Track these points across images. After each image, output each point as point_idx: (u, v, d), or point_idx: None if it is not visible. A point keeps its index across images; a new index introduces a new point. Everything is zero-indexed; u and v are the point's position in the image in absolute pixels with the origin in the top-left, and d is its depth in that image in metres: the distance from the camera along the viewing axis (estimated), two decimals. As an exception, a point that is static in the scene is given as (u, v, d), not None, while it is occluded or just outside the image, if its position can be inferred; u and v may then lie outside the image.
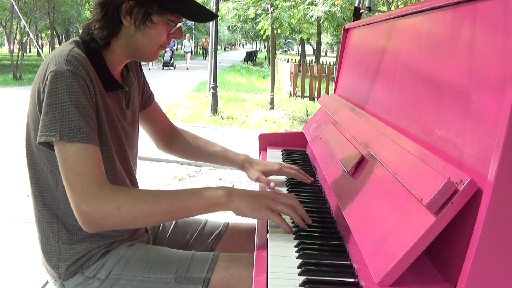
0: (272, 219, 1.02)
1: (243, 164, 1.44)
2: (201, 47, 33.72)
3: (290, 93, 10.93)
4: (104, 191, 0.97)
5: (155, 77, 13.89)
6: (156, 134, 1.48)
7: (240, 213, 1.02)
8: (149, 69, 17.75)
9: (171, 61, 18.71)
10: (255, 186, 1.54)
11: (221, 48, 56.59)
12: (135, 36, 1.10)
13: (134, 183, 1.28)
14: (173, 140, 1.51)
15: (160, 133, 1.48)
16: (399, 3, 7.97)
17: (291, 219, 1.06)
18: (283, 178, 1.43)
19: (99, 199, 0.96)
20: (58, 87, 0.98)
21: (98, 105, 1.07)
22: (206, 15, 1.17)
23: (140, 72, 1.35)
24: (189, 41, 21.48)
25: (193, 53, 21.64)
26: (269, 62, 10.51)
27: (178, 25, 1.13)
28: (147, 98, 1.39)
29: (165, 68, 18.48)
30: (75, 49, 1.05)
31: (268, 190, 1.33)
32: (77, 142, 0.98)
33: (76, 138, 0.98)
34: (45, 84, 1.00)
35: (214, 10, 7.77)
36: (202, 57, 30.56)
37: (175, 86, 11.80)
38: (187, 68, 19.43)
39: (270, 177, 1.39)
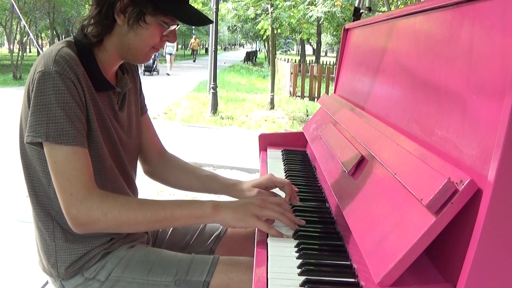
0: (258, 226, 1.03)
1: (233, 186, 1.33)
2: (190, 48, 30.44)
3: (290, 93, 10.93)
4: (93, 196, 1.01)
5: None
6: (142, 152, 1.37)
7: (227, 225, 1.06)
8: None
9: (154, 65, 15.47)
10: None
11: (221, 48, 56.41)
12: (127, 36, 1.10)
13: (132, 185, 1.28)
14: (162, 164, 1.39)
15: (146, 151, 1.37)
16: (399, 3, 7.97)
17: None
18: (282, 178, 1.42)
19: (87, 204, 1.00)
20: (45, 88, 0.99)
21: (87, 105, 1.07)
22: (200, 20, 1.16)
23: (137, 77, 1.34)
24: None
25: (173, 53, 17.44)
26: (269, 62, 10.51)
27: (172, 27, 1.12)
28: (141, 107, 1.36)
29: (146, 73, 15.19)
30: (65, 49, 1.04)
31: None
32: (63, 144, 0.99)
33: (62, 140, 0.99)
34: (33, 85, 1.01)
35: (214, 10, 7.77)
36: (192, 59, 28.40)
37: (156, 97, 9.40)
38: (168, 74, 16.19)
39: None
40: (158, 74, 15.78)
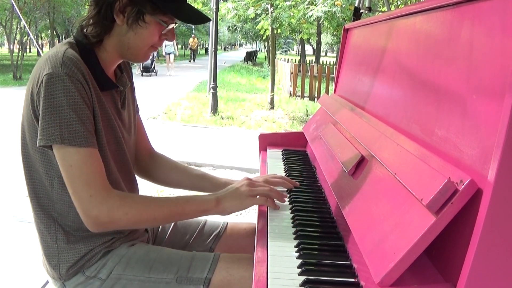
0: (256, 203, 1.14)
1: (226, 186, 1.32)
2: (189, 48, 29.05)
3: (290, 93, 10.93)
4: (112, 197, 1.03)
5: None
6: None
7: (227, 213, 1.13)
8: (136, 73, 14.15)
9: (152, 66, 14.77)
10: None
11: (221, 48, 56.30)
12: (127, 35, 1.10)
13: (133, 182, 1.28)
14: (152, 163, 1.41)
15: (137, 150, 1.37)
16: (399, 3, 7.97)
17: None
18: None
19: (109, 205, 1.02)
20: (55, 91, 0.99)
21: (94, 105, 1.07)
22: (199, 18, 1.17)
23: (131, 76, 1.34)
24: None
25: (177, 53, 16.87)
26: (269, 62, 10.51)
27: (170, 26, 1.13)
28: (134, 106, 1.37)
29: (144, 74, 14.61)
30: (69, 50, 1.05)
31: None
32: (77, 146, 1.00)
33: (76, 143, 1.00)
34: (39, 87, 1.00)
35: (214, 10, 7.77)
36: (189, 59, 27.22)
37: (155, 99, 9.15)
38: (167, 75, 15.49)
39: None
40: (156, 75, 15.11)
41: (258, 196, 1.15)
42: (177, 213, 1.11)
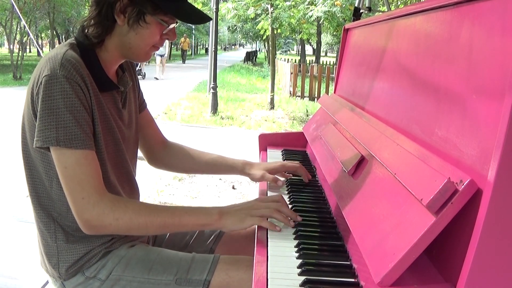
0: (256, 223, 1.07)
1: (243, 166, 1.44)
2: (180, 48, 26.32)
3: (290, 93, 10.93)
4: (104, 201, 1.02)
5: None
6: (146, 144, 1.43)
7: (227, 229, 1.09)
8: None
9: (138, 68, 12.76)
10: (255, 187, 1.52)
11: (221, 48, 56.10)
12: (128, 35, 1.10)
13: (133, 183, 1.28)
14: (166, 152, 1.45)
15: (151, 144, 1.43)
16: (399, 3, 7.97)
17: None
18: (282, 179, 1.43)
19: (99, 209, 1.01)
20: (52, 93, 0.99)
21: (93, 107, 1.07)
22: (199, 18, 1.17)
23: (134, 75, 1.35)
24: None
25: (169, 56, 15.46)
26: (269, 62, 10.51)
27: (171, 26, 1.13)
28: (140, 102, 1.38)
29: None
30: (69, 51, 1.05)
31: (267, 192, 1.34)
32: (73, 148, 1.00)
33: (72, 145, 1.00)
34: (38, 88, 1.01)
35: (214, 10, 7.77)
36: (181, 60, 24.95)
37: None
38: (157, 78, 13.97)
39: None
40: (144, 78, 13.58)
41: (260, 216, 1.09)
42: (172, 224, 1.07)
